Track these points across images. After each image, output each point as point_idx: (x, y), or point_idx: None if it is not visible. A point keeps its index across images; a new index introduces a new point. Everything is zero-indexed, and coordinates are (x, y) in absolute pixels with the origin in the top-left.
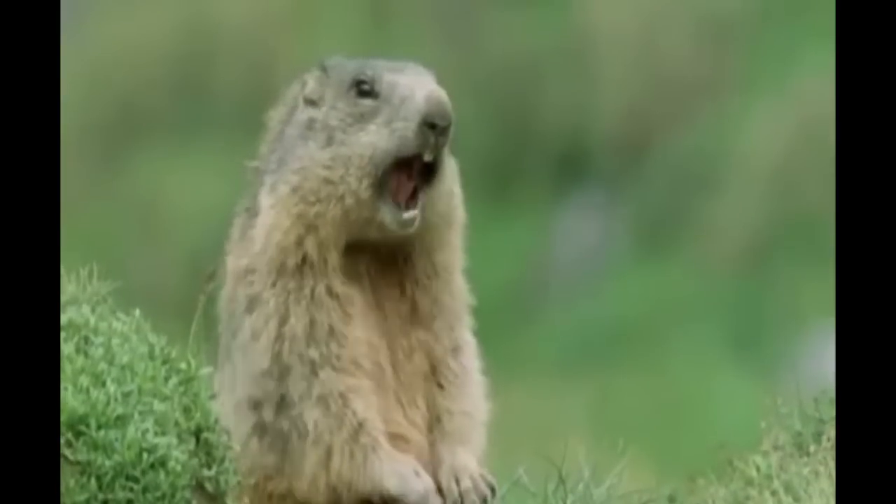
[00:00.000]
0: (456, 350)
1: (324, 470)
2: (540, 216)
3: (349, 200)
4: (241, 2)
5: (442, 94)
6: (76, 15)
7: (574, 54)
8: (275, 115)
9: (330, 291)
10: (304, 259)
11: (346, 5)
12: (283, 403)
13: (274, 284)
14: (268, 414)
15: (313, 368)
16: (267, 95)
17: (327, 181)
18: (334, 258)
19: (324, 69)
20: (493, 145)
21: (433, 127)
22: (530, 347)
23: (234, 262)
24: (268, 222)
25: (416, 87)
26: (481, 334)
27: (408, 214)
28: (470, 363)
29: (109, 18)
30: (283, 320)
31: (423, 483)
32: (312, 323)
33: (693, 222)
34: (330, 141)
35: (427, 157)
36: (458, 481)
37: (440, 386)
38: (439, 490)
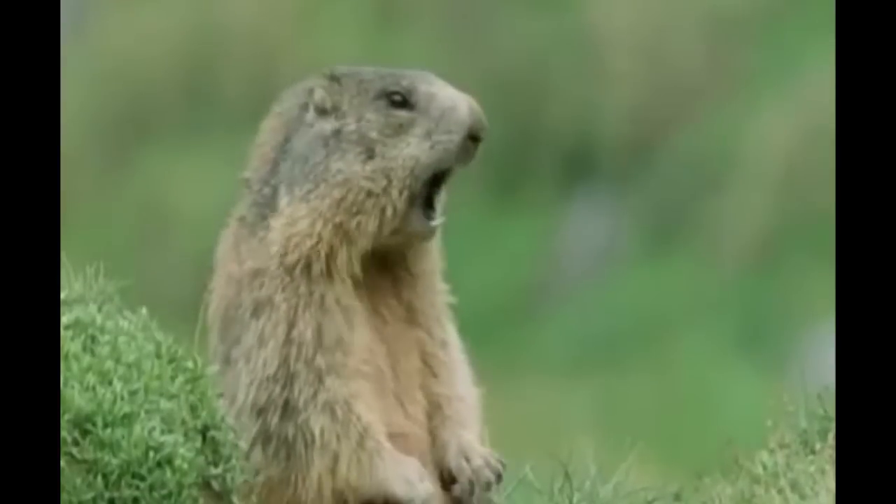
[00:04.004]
0: (444, 343)
1: (330, 476)
2: (547, 215)
3: (389, 212)
4: (247, 3)
5: (478, 105)
6: (84, 16)
7: (581, 54)
8: (268, 126)
9: (338, 302)
10: (328, 268)
11: (352, 6)
12: (287, 409)
13: (285, 288)
14: (272, 420)
15: (319, 375)
16: (273, 96)
17: (370, 193)
18: (357, 270)
19: (334, 78)
20: (500, 144)
21: (475, 139)
22: (537, 345)
23: (235, 267)
24: (300, 230)
25: (455, 98)
26: (488, 332)
27: (435, 223)
28: (457, 355)
29: (117, 20)
30: (292, 325)
31: (426, 487)
32: (320, 329)
33: (700, 221)
34: (371, 153)
35: (459, 168)
36: (468, 460)
37: (434, 375)
38: (444, 479)
